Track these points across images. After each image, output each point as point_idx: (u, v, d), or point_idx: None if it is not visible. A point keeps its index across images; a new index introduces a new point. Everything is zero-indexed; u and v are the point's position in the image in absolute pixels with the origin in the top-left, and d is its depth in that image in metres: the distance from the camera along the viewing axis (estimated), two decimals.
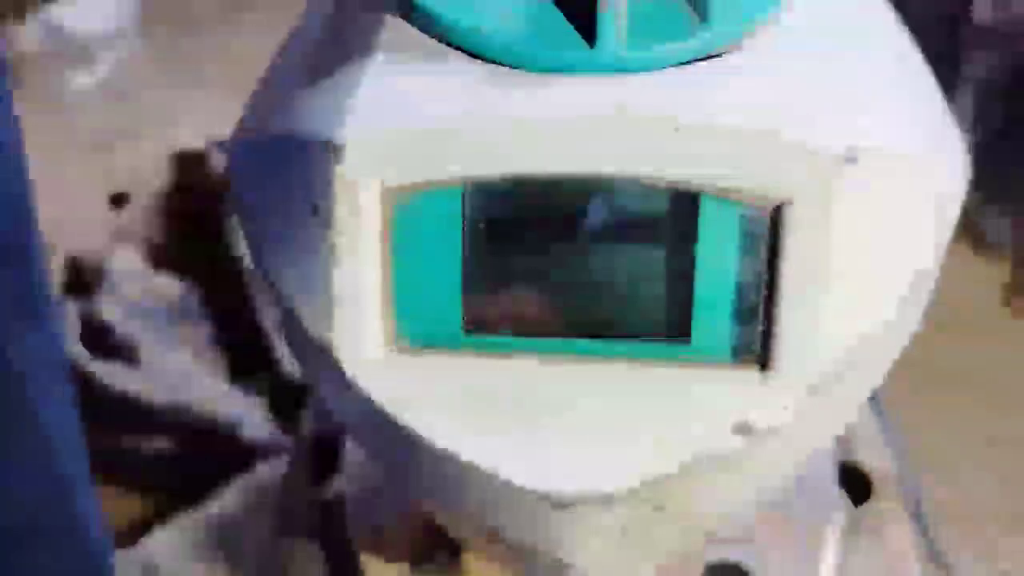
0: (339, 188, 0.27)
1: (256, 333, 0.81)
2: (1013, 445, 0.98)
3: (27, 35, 1.12)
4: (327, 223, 0.27)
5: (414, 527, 0.51)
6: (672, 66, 0.27)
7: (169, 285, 0.83)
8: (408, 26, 0.28)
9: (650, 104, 0.26)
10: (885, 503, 0.56)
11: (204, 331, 0.83)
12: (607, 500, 0.26)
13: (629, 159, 0.26)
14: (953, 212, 0.29)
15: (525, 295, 0.29)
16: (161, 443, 0.76)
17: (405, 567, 0.49)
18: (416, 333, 0.28)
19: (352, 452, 0.55)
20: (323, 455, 0.58)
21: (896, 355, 0.30)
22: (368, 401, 0.28)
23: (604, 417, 0.27)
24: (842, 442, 0.54)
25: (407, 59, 0.28)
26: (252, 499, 0.72)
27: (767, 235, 0.26)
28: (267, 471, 0.75)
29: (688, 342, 0.28)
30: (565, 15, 0.27)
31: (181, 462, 0.77)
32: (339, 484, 0.56)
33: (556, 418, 0.27)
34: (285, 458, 0.77)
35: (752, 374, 0.27)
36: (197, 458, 0.77)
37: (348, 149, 0.26)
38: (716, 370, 0.27)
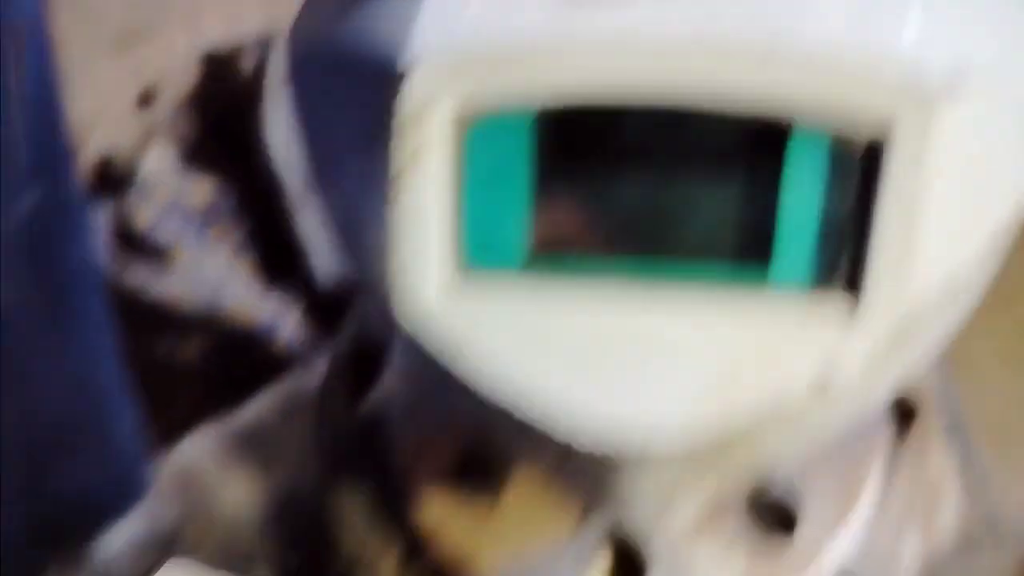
0: (406, 112, 0.25)
1: (290, 238, 0.80)
2: None
3: None
4: (392, 147, 0.26)
5: (457, 439, 0.51)
6: None
7: (201, 186, 0.82)
8: None
9: (735, 28, 0.24)
10: (927, 428, 0.55)
11: (237, 234, 0.82)
12: (671, 454, 0.25)
13: (713, 88, 0.24)
14: None
15: (596, 214, 0.27)
16: (195, 349, 0.76)
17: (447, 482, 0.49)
18: (483, 258, 0.27)
19: (394, 364, 0.54)
20: (362, 367, 0.58)
21: (986, 283, 0.28)
22: (433, 330, 0.27)
23: (676, 354, 0.26)
24: None
25: None
26: (288, 406, 0.72)
27: (860, 165, 0.25)
28: (302, 378, 0.75)
29: (767, 267, 0.26)
30: None
31: (216, 367, 0.77)
32: (379, 396, 0.56)
33: (623, 355, 0.26)
34: (321, 365, 0.77)
35: (838, 308, 0.26)
36: (232, 364, 0.77)
37: (416, 72, 0.25)
38: (798, 304, 0.26)
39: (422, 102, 0.25)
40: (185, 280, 0.77)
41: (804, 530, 0.47)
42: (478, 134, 0.26)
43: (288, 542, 0.66)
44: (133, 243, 0.78)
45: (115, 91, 0.92)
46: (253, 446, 0.69)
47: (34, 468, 0.52)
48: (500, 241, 0.27)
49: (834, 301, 0.26)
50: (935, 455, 0.54)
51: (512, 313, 0.27)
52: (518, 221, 0.26)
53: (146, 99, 0.90)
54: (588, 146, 0.26)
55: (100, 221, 0.79)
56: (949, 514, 0.54)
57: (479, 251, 0.27)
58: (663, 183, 0.26)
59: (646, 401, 0.26)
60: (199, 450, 0.70)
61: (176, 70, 0.91)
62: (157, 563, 0.63)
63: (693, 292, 0.26)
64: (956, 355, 0.60)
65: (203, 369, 0.78)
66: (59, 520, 0.54)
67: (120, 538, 0.61)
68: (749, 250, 0.26)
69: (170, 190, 0.81)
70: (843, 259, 0.25)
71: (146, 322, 0.76)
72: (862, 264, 0.25)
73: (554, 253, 0.27)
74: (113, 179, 0.84)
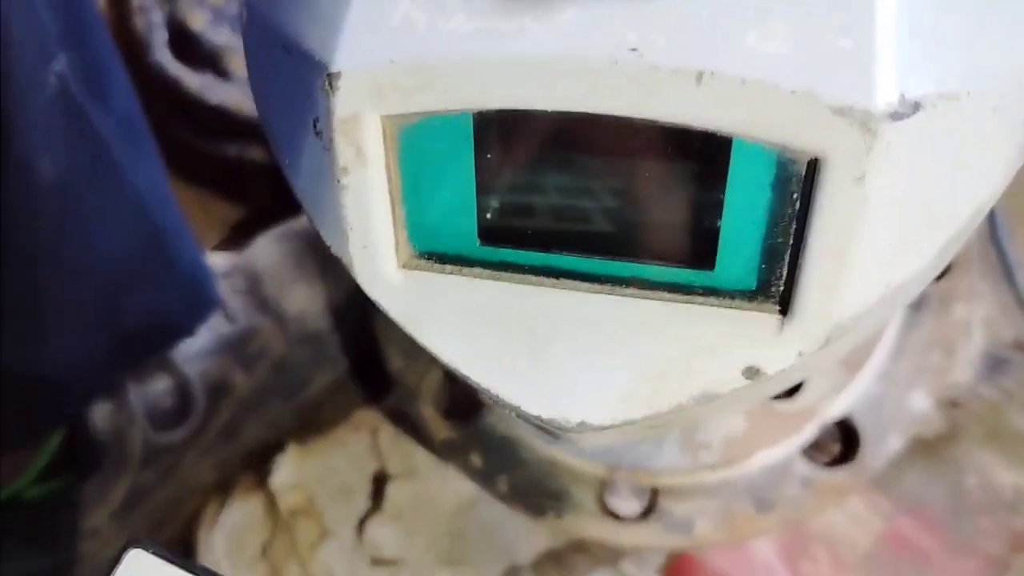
0: (336, 118, 0.25)
1: None
2: None
3: None
4: (329, 148, 0.26)
5: None
6: None
7: None
8: None
9: (668, 44, 0.22)
10: (958, 279, 0.54)
11: None
12: (604, 429, 0.27)
13: (646, 106, 0.23)
14: None
15: (541, 208, 0.27)
16: (257, 153, 0.79)
17: None
18: (430, 247, 0.28)
19: None
20: None
21: (928, 282, 0.28)
22: (388, 308, 0.29)
23: (612, 346, 0.27)
24: None
25: None
26: None
27: (801, 181, 0.24)
28: None
29: (709, 273, 0.26)
30: None
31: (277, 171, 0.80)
32: None
33: (563, 342, 0.27)
34: None
35: (770, 318, 0.26)
36: None
37: (343, 79, 0.24)
38: (733, 309, 0.26)
39: (352, 108, 0.25)
40: (241, 87, 0.77)
41: (805, 393, 0.49)
42: (418, 132, 0.26)
43: (346, 344, 0.71)
44: (190, 46, 0.79)
45: None
46: (313, 249, 0.72)
47: (108, 299, 0.57)
48: (448, 231, 0.27)
49: (768, 310, 0.26)
50: (961, 305, 0.54)
51: (460, 298, 0.28)
52: (464, 213, 0.27)
53: None
54: (530, 143, 0.26)
55: (156, 25, 0.79)
56: (967, 364, 0.55)
57: (428, 240, 0.28)
58: (608, 184, 0.26)
59: (581, 388, 0.27)
60: (268, 252, 0.74)
61: None
62: (232, 363, 0.69)
63: (633, 290, 0.27)
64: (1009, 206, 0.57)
65: (271, 169, 0.81)
66: (135, 341, 0.60)
67: (197, 343, 0.67)
68: (690, 255, 0.26)
69: None
70: (782, 270, 0.25)
71: (213, 124, 0.78)
72: (795, 280, 0.25)
73: (500, 245, 0.27)
74: None
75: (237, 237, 0.80)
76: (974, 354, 0.55)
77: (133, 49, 0.80)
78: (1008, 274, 0.62)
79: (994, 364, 0.60)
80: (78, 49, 0.47)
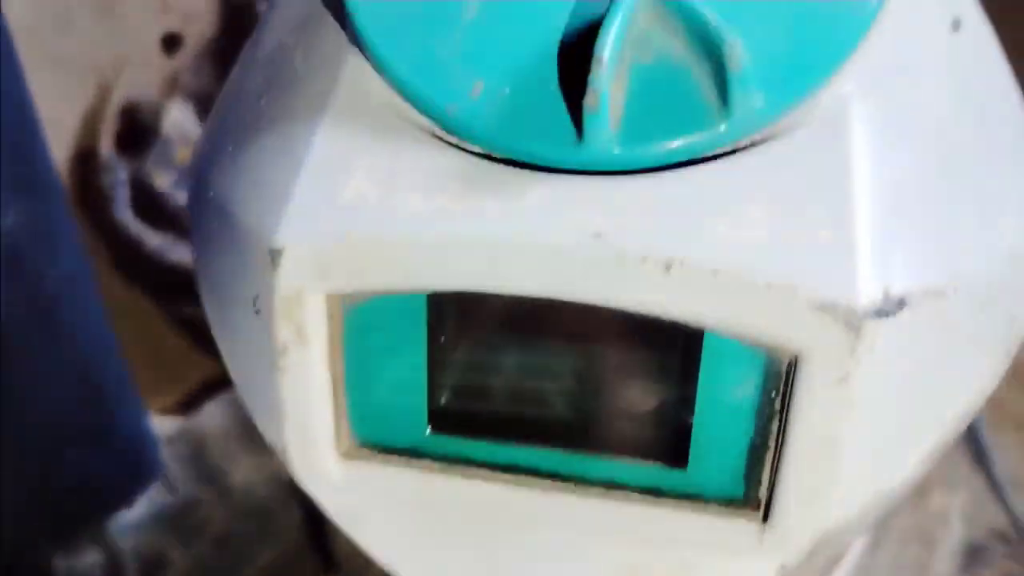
0: (278, 297, 0.23)
1: None
2: None
3: None
4: (268, 328, 0.24)
5: None
6: (676, 165, 0.22)
7: None
8: (370, 70, 0.24)
9: (636, 229, 0.21)
10: (934, 467, 0.53)
11: None
12: None
13: (612, 294, 0.21)
14: None
15: (498, 396, 0.25)
16: None
17: None
18: (375, 436, 0.25)
19: None
20: None
21: (915, 485, 0.26)
22: (326, 502, 0.26)
23: (573, 556, 0.24)
24: None
25: (361, 131, 0.23)
26: None
27: (781, 380, 0.22)
28: None
29: (681, 472, 0.24)
30: (562, 87, 0.22)
31: None
32: None
33: (520, 550, 0.25)
34: None
35: (748, 526, 0.23)
36: None
37: (286, 256, 0.23)
38: (708, 515, 0.24)
39: (295, 286, 0.23)
40: None
41: None
42: (366, 311, 0.24)
43: (294, 519, 0.67)
44: (153, 205, 0.78)
45: (140, 34, 0.90)
46: None
47: (40, 461, 0.53)
48: (395, 419, 0.25)
49: (747, 517, 0.23)
50: (938, 495, 0.52)
51: (405, 495, 0.25)
52: (414, 399, 0.25)
53: (170, 44, 0.88)
54: (489, 326, 0.24)
55: (120, 184, 0.79)
56: (946, 556, 0.52)
57: (373, 428, 0.25)
58: (570, 372, 0.24)
59: None
60: (216, 418, 0.71)
61: (199, 14, 0.89)
62: (169, 537, 0.65)
63: (598, 490, 0.24)
64: None
65: None
66: (70, 506, 0.56)
67: (133, 515, 0.63)
68: (659, 451, 0.24)
69: (189, 152, 0.79)
70: (761, 473, 0.23)
71: (171, 283, 0.77)
72: (777, 487, 0.23)
73: (452, 434, 0.25)
74: (137, 131, 0.83)
75: (190, 400, 0.77)
76: (953, 545, 0.52)
77: (95, 205, 0.79)
78: (982, 458, 0.60)
79: (973, 553, 0.57)
80: (29, 202, 0.46)
